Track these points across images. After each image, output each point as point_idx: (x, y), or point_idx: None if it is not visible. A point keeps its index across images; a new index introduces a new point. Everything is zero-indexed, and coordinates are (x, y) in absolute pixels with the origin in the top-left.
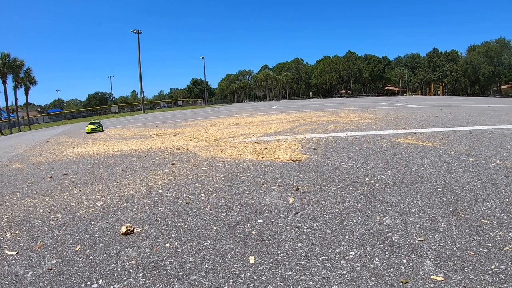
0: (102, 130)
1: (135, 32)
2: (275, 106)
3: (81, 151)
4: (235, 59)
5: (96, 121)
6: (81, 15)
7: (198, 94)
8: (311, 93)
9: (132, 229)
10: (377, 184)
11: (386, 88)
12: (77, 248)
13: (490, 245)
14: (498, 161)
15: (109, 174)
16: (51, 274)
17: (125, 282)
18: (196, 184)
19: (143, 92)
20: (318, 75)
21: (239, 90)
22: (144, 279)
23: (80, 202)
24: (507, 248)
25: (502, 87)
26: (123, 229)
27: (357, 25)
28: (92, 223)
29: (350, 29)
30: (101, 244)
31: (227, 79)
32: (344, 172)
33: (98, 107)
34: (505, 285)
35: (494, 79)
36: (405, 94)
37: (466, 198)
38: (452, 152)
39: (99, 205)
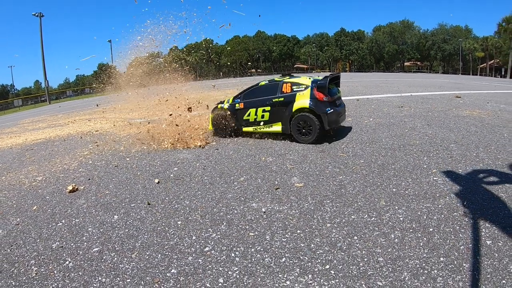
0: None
1: (37, 15)
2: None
3: None
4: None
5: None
6: None
7: (106, 80)
8: (221, 73)
9: (76, 187)
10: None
11: (296, 65)
12: (34, 208)
13: (343, 167)
14: (371, 119)
15: (38, 157)
16: (20, 227)
17: (82, 216)
18: (121, 153)
19: (47, 81)
20: (228, 55)
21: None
22: (96, 212)
23: (21, 180)
24: (354, 167)
25: (405, 63)
26: (69, 187)
27: (268, 2)
28: (39, 191)
29: (262, 8)
30: (53, 202)
31: (135, 62)
32: None
33: None
34: (348, 187)
35: (398, 57)
36: (313, 71)
37: (334, 142)
38: None
39: (39, 179)
